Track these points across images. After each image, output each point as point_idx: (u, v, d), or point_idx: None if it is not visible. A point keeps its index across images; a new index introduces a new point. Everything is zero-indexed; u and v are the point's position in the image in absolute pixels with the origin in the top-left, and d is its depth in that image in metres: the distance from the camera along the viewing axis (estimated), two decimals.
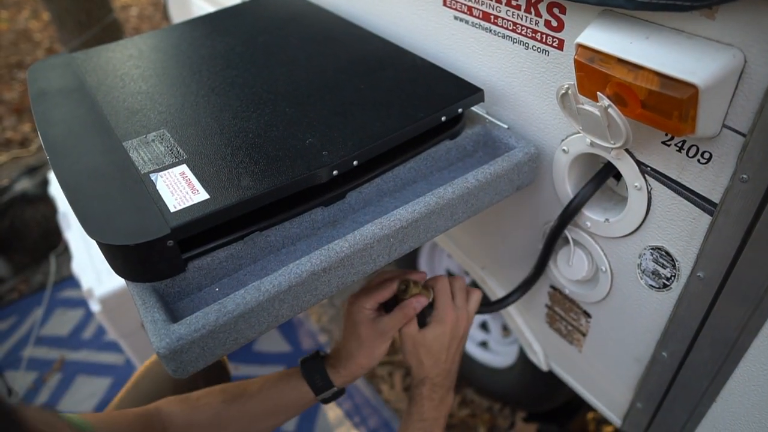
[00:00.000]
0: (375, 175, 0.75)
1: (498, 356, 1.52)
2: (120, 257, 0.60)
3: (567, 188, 0.79)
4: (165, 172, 0.68)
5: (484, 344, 1.58)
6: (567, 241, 0.85)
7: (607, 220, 0.75)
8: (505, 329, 1.51)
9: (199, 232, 0.65)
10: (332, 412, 1.63)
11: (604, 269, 0.80)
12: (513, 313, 1.05)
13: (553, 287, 0.93)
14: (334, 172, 0.69)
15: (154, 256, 0.60)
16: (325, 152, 0.69)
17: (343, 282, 0.66)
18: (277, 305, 0.61)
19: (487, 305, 0.89)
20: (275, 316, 0.62)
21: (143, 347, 1.72)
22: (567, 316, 0.93)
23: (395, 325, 0.77)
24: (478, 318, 1.57)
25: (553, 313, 0.96)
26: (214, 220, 0.62)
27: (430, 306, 0.80)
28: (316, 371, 0.80)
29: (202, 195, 0.64)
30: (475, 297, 0.82)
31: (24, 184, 2.09)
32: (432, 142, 0.79)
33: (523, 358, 1.36)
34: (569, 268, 0.85)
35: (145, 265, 0.61)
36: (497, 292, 1.06)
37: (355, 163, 0.70)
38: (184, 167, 0.69)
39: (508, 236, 0.96)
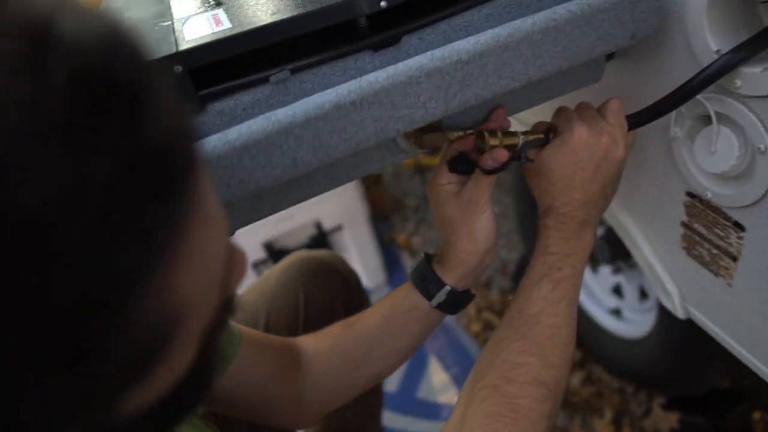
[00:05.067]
0: (439, 17, 0.60)
1: (631, 325, 1.26)
2: None
3: (707, 37, 0.57)
4: (198, 15, 0.61)
5: (616, 312, 1.32)
6: (706, 119, 0.62)
7: (766, 69, 0.53)
8: (643, 293, 1.25)
9: (218, 66, 0.57)
10: (437, 376, 1.49)
11: (762, 149, 0.57)
12: (639, 239, 0.82)
13: (690, 194, 0.70)
14: (382, 3, 0.56)
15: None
16: None
17: (381, 128, 0.53)
18: (292, 142, 0.50)
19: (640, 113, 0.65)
20: (291, 158, 0.51)
21: None
22: (710, 233, 0.69)
23: (481, 188, 0.62)
24: (610, 281, 1.32)
25: (692, 233, 0.73)
26: (230, 47, 0.53)
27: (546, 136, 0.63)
28: (423, 271, 0.68)
29: (225, 25, 0.55)
30: (613, 105, 0.62)
31: None
32: None
33: (660, 323, 1.10)
34: (712, 157, 0.62)
35: None
36: (620, 216, 0.85)
37: None
38: (219, 11, 0.61)
39: (638, 139, 0.75)
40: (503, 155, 0.60)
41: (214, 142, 0.48)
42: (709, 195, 0.66)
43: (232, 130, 0.49)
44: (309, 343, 0.73)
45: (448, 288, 0.67)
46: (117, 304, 0.24)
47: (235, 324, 0.68)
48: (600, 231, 1.23)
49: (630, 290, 1.28)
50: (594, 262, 1.33)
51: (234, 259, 0.36)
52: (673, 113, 0.66)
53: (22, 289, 0.21)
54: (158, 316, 0.26)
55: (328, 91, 0.51)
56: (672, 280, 0.80)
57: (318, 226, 1.60)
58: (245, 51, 0.55)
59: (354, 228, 1.63)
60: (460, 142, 0.63)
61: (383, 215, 2.06)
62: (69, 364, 0.23)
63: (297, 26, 0.54)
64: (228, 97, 0.56)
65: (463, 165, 0.63)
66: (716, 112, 0.60)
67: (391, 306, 0.71)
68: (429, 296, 0.67)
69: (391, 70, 0.52)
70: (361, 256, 1.65)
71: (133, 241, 0.24)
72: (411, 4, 0.63)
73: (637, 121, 0.64)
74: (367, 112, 0.51)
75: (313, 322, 0.82)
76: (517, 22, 0.54)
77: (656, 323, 1.13)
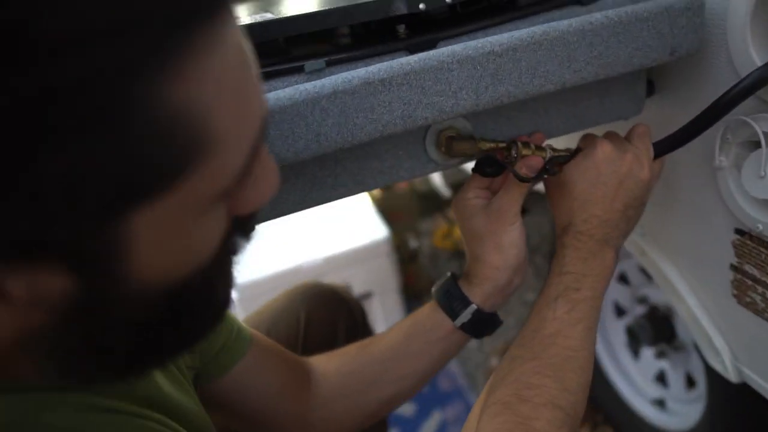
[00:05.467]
0: (477, 28, 0.61)
1: (676, 417, 1.14)
2: None
3: (751, 52, 0.56)
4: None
5: (659, 403, 1.20)
6: (753, 146, 0.59)
7: None
8: (690, 382, 1.13)
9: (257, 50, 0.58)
10: None
11: None
12: (683, 290, 0.76)
13: (739, 231, 0.65)
14: (421, 6, 0.58)
15: None
16: None
17: (410, 113, 0.52)
18: (317, 114, 0.50)
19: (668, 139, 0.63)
20: (315, 132, 0.50)
21: None
22: (763, 275, 0.63)
23: (511, 198, 0.60)
24: (654, 368, 1.21)
25: (742, 277, 0.66)
26: (272, 30, 0.55)
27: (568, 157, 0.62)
28: (447, 288, 0.65)
29: (266, 16, 0.57)
30: (639, 129, 0.62)
31: None
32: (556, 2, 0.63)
33: (710, 413, 0.98)
34: (762, 182, 0.58)
35: None
36: (661, 264, 0.79)
37: (448, 0, 0.59)
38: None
39: (675, 166, 0.72)
40: (539, 162, 0.59)
41: None
42: (761, 227, 0.61)
43: None
44: (321, 361, 0.70)
45: (474, 307, 0.63)
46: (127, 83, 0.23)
47: (247, 327, 0.66)
48: (642, 309, 1.15)
49: (675, 378, 1.17)
50: (635, 344, 1.23)
51: (266, 167, 0.35)
52: (718, 141, 0.63)
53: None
54: (172, 123, 0.25)
55: (359, 69, 0.51)
56: (721, 336, 0.72)
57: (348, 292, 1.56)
58: (282, 38, 0.56)
59: (384, 297, 1.59)
60: (491, 152, 0.62)
61: (416, 294, 2.01)
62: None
63: (334, 18, 0.56)
64: (262, 82, 0.57)
65: (492, 167, 0.61)
66: (765, 133, 0.57)
67: (412, 325, 0.66)
68: (453, 315, 0.63)
69: (423, 55, 0.52)
70: (387, 327, 1.58)
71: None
72: (452, 12, 0.65)
73: (663, 148, 0.62)
74: (395, 93, 0.51)
75: (313, 344, 0.78)
76: (554, 23, 0.55)
77: (705, 414, 1.02)
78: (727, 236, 0.66)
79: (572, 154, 0.62)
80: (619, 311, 1.22)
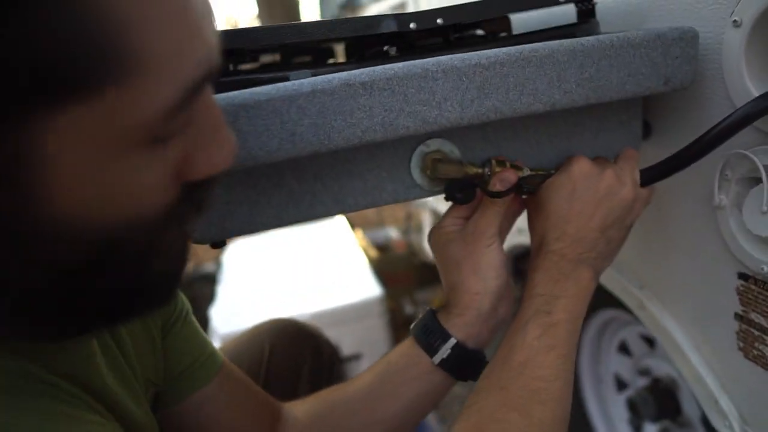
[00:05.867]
0: (466, 50, 0.61)
1: None
2: None
3: (747, 84, 0.55)
4: None
5: None
6: (753, 182, 0.57)
7: None
8: (707, 425, 1.03)
9: (238, 58, 0.58)
10: None
11: None
12: (685, 346, 0.70)
13: (743, 276, 0.61)
14: (412, 25, 0.58)
15: None
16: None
17: (390, 121, 0.50)
18: (294, 113, 0.48)
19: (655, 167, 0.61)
20: (290, 131, 0.48)
21: None
22: None
23: (488, 218, 0.57)
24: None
25: (748, 327, 0.61)
26: (245, 40, 0.54)
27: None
28: (425, 322, 0.60)
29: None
30: (627, 152, 0.60)
31: (211, 267, 2.28)
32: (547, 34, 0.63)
33: None
34: (764, 219, 0.55)
35: None
36: (661, 318, 0.74)
37: (439, 21, 0.58)
38: None
39: (671, 209, 0.69)
40: (512, 176, 0.57)
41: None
42: (766, 269, 0.57)
43: (235, 93, 0.48)
44: (294, 406, 0.65)
45: (453, 341, 0.57)
46: None
47: (221, 356, 0.62)
48: (644, 381, 1.08)
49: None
50: (637, 419, 1.14)
51: (219, 132, 0.34)
52: (717, 178, 0.60)
53: None
54: (82, 22, 0.23)
55: (342, 72, 0.50)
56: (728, 396, 0.66)
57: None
58: (269, 46, 0.56)
59: (374, 360, 1.51)
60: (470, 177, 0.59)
61: None
62: None
63: (321, 31, 0.56)
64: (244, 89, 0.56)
65: (462, 191, 0.58)
66: (766, 166, 0.54)
67: (386, 363, 0.61)
68: (431, 351, 0.58)
69: (407, 62, 0.50)
70: None
71: None
72: (444, 41, 0.65)
73: (652, 175, 0.60)
74: (377, 98, 0.49)
75: (276, 378, 0.74)
76: (544, 42, 0.54)
77: None
78: (730, 282, 0.62)
79: (551, 173, 0.59)
80: (620, 384, 1.15)
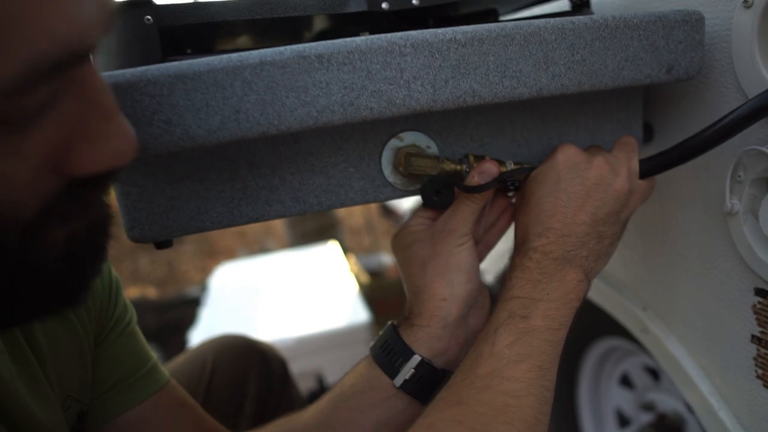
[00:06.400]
0: None
1: None
2: None
3: (761, 70, 0.48)
4: None
5: None
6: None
7: None
8: None
9: (192, 37, 0.52)
10: None
11: None
12: (694, 375, 0.62)
13: (760, 291, 0.53)
14: (384, 5, 0.52)
15: (130, 32, 0.47)
16: None
17: (351, 101, 0.44)
18: (238, 87, 0.42)
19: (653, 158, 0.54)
20: (234, 108, 0.42)
21: None
22: None
23: (461, 215, 0.50)
24: None
25: (767, 352, 0.53)
26: (205, 14, 0.49)
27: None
28: (386, 338, 0.52)
29: None
30: (624, 139, 0.54)
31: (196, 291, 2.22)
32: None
33: None
34: None
35: (121, 44, 0.48)
36: (667, 343, 0.65)
37: (415, 2, 0.53)
38: None
39: (677, 218, 0.62)
40: (494, 168, 0.50)
41: (148, 70, 0.40)
42: None
43: (174, 63, 0.41)
44: None
45: (417, 358, 0.49)
46: None
47: (166, 373, 0.57)
48: (649, 418, 0.98)
49: None
50: None
51: (110, 125, 0.30)
52: (728, 180, 0.53)
53: None
54: None
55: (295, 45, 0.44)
56: (744, 431, 0.57)
57: (319, 379, 1.40)
58: (222, 22, 0.50)
59: None
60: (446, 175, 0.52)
61: None
62: None
63: (283, 8, 0.50)
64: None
65: (440, 192, 0.51)
66: None
67: (341, 388, 0.53)
68: (391, 372, 0.50)
69: (372, 36, 0.44)
70: None
71: None
72: (421, 21, 0.59)
73: (653, 166, 0.53)
74: (335, 73, 0.43)
75: (218, 396, 0.68)
76: (530, 20, 0.48)
77: None
78: (745, 300, 0.54)
79: (537, 167, 0.53)
80: (622, 420, 1.05)
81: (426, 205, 0.53)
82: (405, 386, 0.49)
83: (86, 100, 0.29)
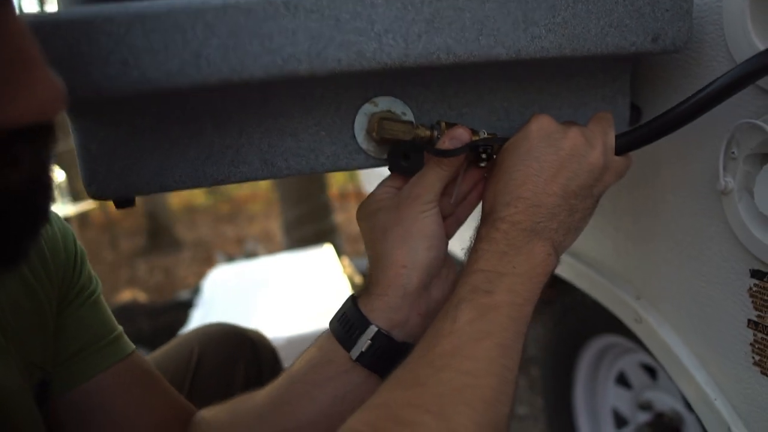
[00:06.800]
0: None
1: None
2: None
3: (753, 39, 0.46)
4: None
5: None
6: (765, 158, 0.47)
7: None
8: None
9: None
10: None
11: None
12: (688, 364, 0.58)
13: (756, 273, 0.50)
14: None
15: None
16: None
17: (318, 51, 0.42)
18: (200, 30, 0.40)
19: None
20: (194, 52, 0.40)
21: None
22: None
23: (427, 181, 0.48)
24: None
25: (766, 336, 0.50)
26: None
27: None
28: (344, 310, 0.50)
29: None
30: (600, 114, 0.52)
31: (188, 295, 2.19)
32: None
33: None
34: None
35: None
36: (660, 332, 0.62)
37: None
38: None
39: (667, 198, 0.59)
40: (465, 134, 0.48)
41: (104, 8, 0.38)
42: None
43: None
44: (205, 413, 0.56)
45: (374, 328, 0.46)
46: None
47: (131, 345, 0.56)
48: (646, 416, 0.94)
49: None
50: None
51: (32, 74, 0.29)
52: (722, 157, 0.50)
53: None
54: None
55: None
56: (741, 421, 0.54)
57: None
58: None
59: None
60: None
61: None
62: None
63: None
64: None
65: (407, 158, 0.49)
66: None
67: (299, 362, 0.50)
68: (348, 343, 0.47)
69: None
70: None
71: None
72: None
73: (629, 140, 0.50)
74: (302, 21, 0.41)
75: (206, 382, 0.66)
76: None
77: None
78: (741, 282, 0.51)
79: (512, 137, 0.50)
80: (619, 420, 1.02)
81: (393, 169, 0.50)
82: (362, 359, 0.46)
83: (6, 47, 0.27)
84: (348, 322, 0.47)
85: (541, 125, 0.47)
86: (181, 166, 0.48)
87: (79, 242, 0.56)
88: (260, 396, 0.50)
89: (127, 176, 0.47)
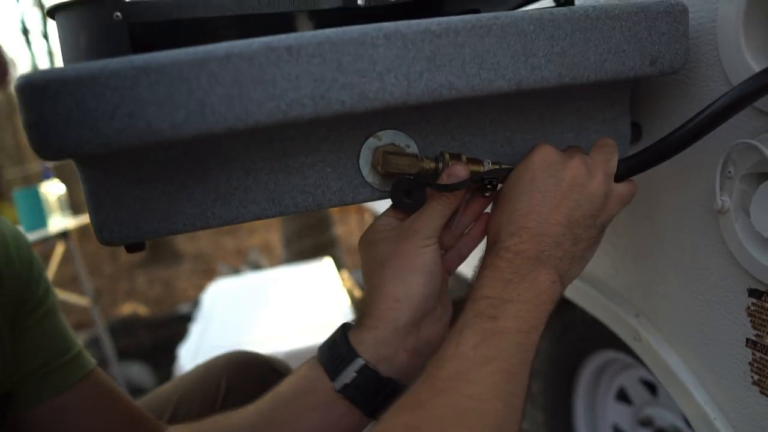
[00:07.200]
0: None
1: None
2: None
3: (747, 59, 0.47)
4: None
5: None
6: (763, 175, 0.48)
7: None
8: None
9: (165, 35, 0.51)
10: None
11: None
12: (688, 383, 0.59)
13: (753, 292, 0.51)
14: (360, 1, 0.51)
15: (98, 29, 0.46)
16: None
17: (321, 94, 0.42)
18: (204, 80, 0.40)
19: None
20: (200, 101, 0.40)
21: None
22: None
23: (428, 216, 0.48)
24: None
25: (764, 356, 0.51)
26: (175, 11, 0.48)
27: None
28: (333, 339, 0.50)
29: None
30: (602, 140, 0.52)
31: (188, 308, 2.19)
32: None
33: None
34: None
35: (90, 40, 0.47)
36: (659, 350, 0.63)
37: None
38: None
39: (665, 219, 0.60)
40: (462, 171, 0.49)
41: (109, 63, 0.39)
42: None
43: (138, 57, 0.40)
44: (178, 428, 0.57)
45: (360, 362, 0.46)
46: None
47: (92, 360, 0.56)
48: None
49: None
50: None
51: None
52: (718, 177, 0.51)
53: None
54: None
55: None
56: None
57: None
58: (193, 19, 0.49)
59: None
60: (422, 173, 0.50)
61: None
62: None
63: (253, 3, 0.49)
64: None
65: (410, 193, 0.49)
66: None
67: (283, 387, 0.51)
68: (334, 374, 0.47)
69: (344, 27, 0.43)
70: None
71: None
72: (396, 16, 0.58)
73: (629, 166, 0.51)
74: (305, 65, 0.42)
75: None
76: (507, 11, 0.46)
77: None
78: (739, 301, 0.52)
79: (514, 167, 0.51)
80: None
81: (396, 206, 0.51)
82: (345, 390, 0.46)
83: None
84: (336, 351, 0.48)
85: (543, 156, 0.48)
86: (189, 209, 0.49)
87: (35, 255, 0.55)
88: (237, 421, 0.50)
89: (136, 222, 0.48)
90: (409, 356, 0.48)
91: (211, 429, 0.53)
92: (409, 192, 0.50)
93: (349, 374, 0.46)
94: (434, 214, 0.48)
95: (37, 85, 0.37)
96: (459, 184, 0.48)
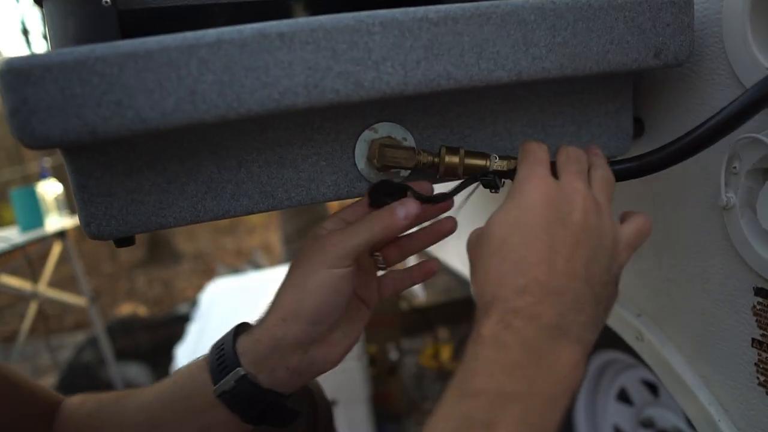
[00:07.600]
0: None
1: None
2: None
3: (754, 53, 0.46)
4: None
5: None
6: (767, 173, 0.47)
7: None
8: None
9: (155, 21, 0.50)
10: None
11: None
12: (692, 383, 0.58)
13: (760, 291, 0.49)
14: None
15: (87, 15, 0.45)
16: None
17: (315, 82, 0.41)
18: (194, 67, 0.39)
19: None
20: (189, 88, 0.39)
21: None
22: None
23: (354, 233, 0.44)
24: None
25: None
26: None
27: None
28: (227, 337, 0.48)
29: None
30: (604, 175, 0.42)
31: (186, 308, 2.17)
32: None
33: None
34: None
35: (78, 27, 0.46)
36: (663, 351, 0.62)
37: None
38: None
39: (669, 216, 0.59)
40: (413, 207, 0.44)
41: (94, 48, 0.38)
42: None
43: (125, 42, 0.39)
44: (74, 402, 0.54)
45: (241, 371, 0.44)
46: None
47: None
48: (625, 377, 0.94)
49: None
50: None
51: None
52: (723, 173, 0.50)
53: None
54: None
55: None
56: None
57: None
58: (183, 6, 0.48)
59: (350, 407, 1.38)
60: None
61: (395, 415, 1.77)
62: None
63: None
64: None
65: (393, 196, 0.45)
66: None
67: (172, 384, 0.49)
68: (217, 377, 0.45)
69: (339, 14, 0.42)
70: None
71: None
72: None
73: (630, 168, 0.49)
74: (298, 52, 0.40)
75: None
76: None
77: None
78: (744, 301, 0.51)
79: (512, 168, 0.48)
80: None
81: (374, 205, 0.46)
82: (224, 397, 0.45)
83: None
84: (222, 355, 0.46)
85: (544, 191, 0.39)
86: (180, 202, 0.48)
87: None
88: (130, 409, 0.49)
89: (126, 215, 0.46)
90: (290, 374, 0.45)
91: (108, 403, 0.51)
92: (392, 194, 0.46)
93: (228, 382, 0.44)
94: (361, 232, 0.43)
95: (20, 71, 0.36)
96: (443, 195, 0.46)
